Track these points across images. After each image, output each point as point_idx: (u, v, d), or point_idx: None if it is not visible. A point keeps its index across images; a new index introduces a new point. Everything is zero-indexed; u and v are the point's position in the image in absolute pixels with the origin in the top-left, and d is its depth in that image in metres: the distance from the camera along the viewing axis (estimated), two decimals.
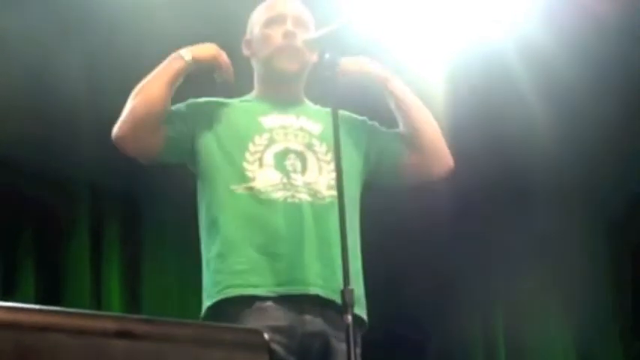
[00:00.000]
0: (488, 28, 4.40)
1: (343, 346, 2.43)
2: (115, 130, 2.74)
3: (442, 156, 2.92)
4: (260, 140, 2.77)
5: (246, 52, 2.95)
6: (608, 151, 4.99)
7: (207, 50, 2.80)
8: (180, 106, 2.83)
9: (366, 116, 2.99)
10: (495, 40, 4.46)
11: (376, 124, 2.97)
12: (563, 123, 4.84)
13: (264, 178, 2.72)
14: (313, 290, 2.64)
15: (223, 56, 2.81)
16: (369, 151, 2.90)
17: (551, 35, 4.38)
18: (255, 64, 2.95)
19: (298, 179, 2.73)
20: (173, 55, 2.77)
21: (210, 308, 2.66)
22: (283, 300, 2.63)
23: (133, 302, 4.71)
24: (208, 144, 2.78)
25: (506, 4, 4.30)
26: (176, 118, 2.78)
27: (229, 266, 2.66)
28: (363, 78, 2.92)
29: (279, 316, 2.60)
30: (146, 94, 2.71)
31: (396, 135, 2.93)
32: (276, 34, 2.86)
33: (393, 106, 2.91)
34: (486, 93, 4.71)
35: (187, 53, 2.76)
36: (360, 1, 3.30)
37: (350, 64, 2.85)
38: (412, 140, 2.90)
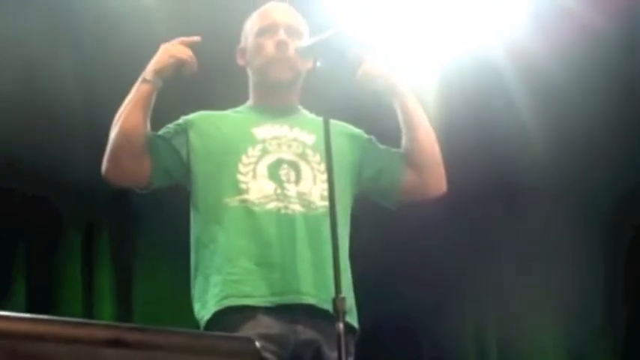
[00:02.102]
0: (480, 34, 4.41)
1: (335, 355, 2.44)
2: (102, 167, 2.76)
3: (439, 179, 2.93)
4: (253, 152, 2.78)
5: (240, 61, 2.96)
6: (600, 153, 5.01)
7: (163, 58, 2.76)
8: (169, 128, 2.83)
9: (361, 126, 3.00)
10: (487, 45, 4.47)
11: (373, 138, 2.98)
12: (554, 126, 4.86)
13: (258, 189, 2.72)
14: (307, 300, 2.65)
15: (180, 52, 2.76)
16: (364, 165, 2.91)
17: (541, 40, 4.40)
18: (249, 73, 2.96)
19: (292, 189, 2.73)
20: (139, 79, 2.75)
21: (209, 321, 2.66)
22: (277, 309, 2.63)
23: (124, 311, 4.71)
24: (201, 160, 2.79)
25: (496, 10, 4.32)
26: (162, 144, 2.79)
27: (224, 277, 2.67)
28: (384, 86, 2.90)
29: (271, 325, 2.61)
30: (121, 126, 2.72)
31: (397, 154, 2.94)
32: (269, 45, 2.86)
33: (402, 121, 2.91)
34: (478, 97, 4.72)
35: (149, 72, 2.74)
36: (352, 8, 3.32)
37: (376, 68, 2.87)
38: (413, 159, 2.91)
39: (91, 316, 4.57)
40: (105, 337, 1.68)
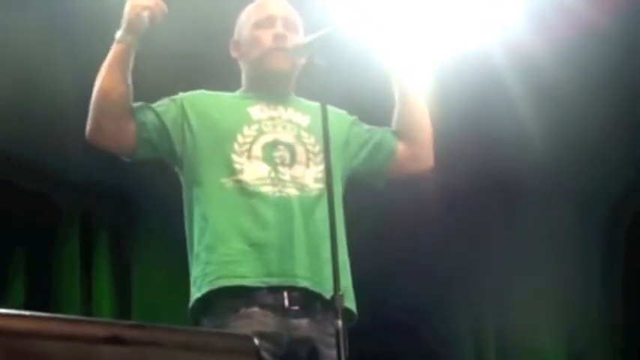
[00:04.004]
0: (479, 32, 4.41)
1: (330, 352, 2.45)
2: (86, 130, 2.75)
3: (430, 153, 3.00)
4: (249, 131, 2.78)
5: (234, 53, 2.96)
6: (599, 151, 5.01)
7: (131, 13, 2.70)
8: (164, 102, 2.82)
9: (356, 112, 3.03)
10: (485, 43, 4.47)
11: (357, 119, 3.00)
12: (552, 124, 4.87)
13: (253, 170, 2.73)
14: (301, 283, 2.65)
15: (145, 1, 2.70)
16: (353, 147, 2.93)
17: (539, 39, 4.40)
18: (244, 65, 2.96)
19: (286, 173, 2.74)
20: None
21: (199, 300, 2.66)
22: (270, 291, 2.63)
23: (123, 308, 4.70)
24: (197, 137, 2.78)
25: (495, 8, 4.31)
26: (150, 115, 2.77)
27: (218, 257, 2.67)
28: (384, 59, 2.98)
29: (266, 322, 2.61)
30: (97, 87, 2.71)
31: (386, 132, 2.98)
32: (267, 37, 2.87)
33: (398, 94, 2.96)
34: (477, 96, 4.72)
35: (119, 32, 2.71)
36: (349, 5, 3.31)
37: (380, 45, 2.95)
38: (407, 132, 2.96)
39: (89, 310, 4.57)
40: (103, 334, 1.67)
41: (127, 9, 2.71)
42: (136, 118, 2.75)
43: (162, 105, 2.81)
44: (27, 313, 1.70)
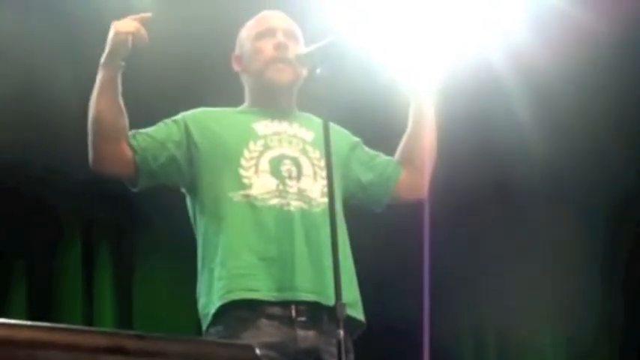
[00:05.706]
0: (479, 38, 4.42)
1: None
2: (89, 159, 2.76)
3: (426, 184, 3.03)
4: (255, 147, 2.79)
5: (236, 67, 2.97)
6: (599, 156, 5.03)
7: (115, 39, 2.68)
8: (164, 126, 2.81)
9: (356, 127, 3.02)
10: (486, 49, 4.48)
11: (361, 142, 3.02)
12: (553, 129, 4.88)
13: (261, 184, 2.74)
14: (310, 297, 2.66)
15: (124, 26, 2.69)
16: (355, 170, 2.95)
17: (540, 44, 4.41)
18: (246, 79, 2.96)
19: (293, 186, 2.75)
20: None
21: (215, 315, 2.67)
22: (280, 305, 2.64)
23: (125, 317, 4.70)
24: (204, 154, 2.79)
25: (496, 14, 4.32)
26: (150, 147, 2.76)
27: (229, 271, 2.68)
28: (407, 84, 3.00)
29: (273, 333, 2.62)
30: (91, 114, 2.72)
31: (392, 161, 3.00)
32: (268, 47, 2.88)
33: (416, 121, 2.99)
34: (477, 101, 4.73)
35: (105, 56, 2.71)
36: (349, 15, 3.32)
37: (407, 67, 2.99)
38: (414, 162, 2.98)
39: (91, 318, 4.57)
40: (105, 344, 1.67)
41: (111, 34, 2.70)
42: (133, 146, 2.75)
43: (164, 130, 2.81)
44: (29, 323, 1.70)
